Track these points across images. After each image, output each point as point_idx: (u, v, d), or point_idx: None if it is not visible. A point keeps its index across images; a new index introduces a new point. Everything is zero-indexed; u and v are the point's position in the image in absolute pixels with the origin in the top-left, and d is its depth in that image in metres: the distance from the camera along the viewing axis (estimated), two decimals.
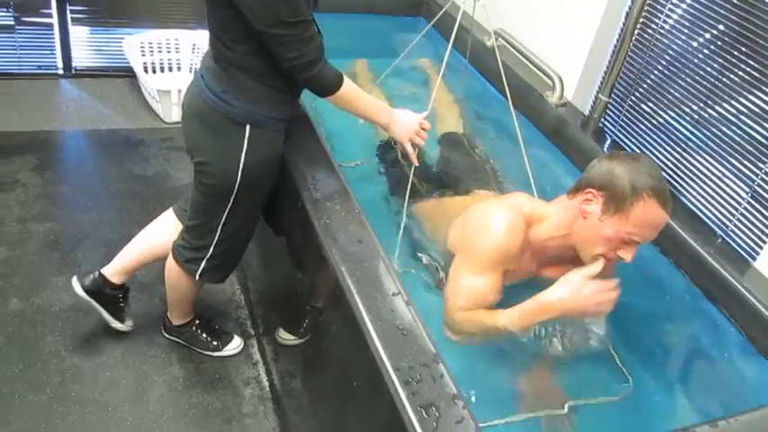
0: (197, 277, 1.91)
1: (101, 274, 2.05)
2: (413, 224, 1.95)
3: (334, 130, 2.22)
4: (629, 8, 2.23)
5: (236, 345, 2.20)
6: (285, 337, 2.03)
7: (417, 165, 1.90)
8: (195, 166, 1.74)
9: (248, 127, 1.64)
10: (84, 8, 3.43)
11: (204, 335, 2.17)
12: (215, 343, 2.17)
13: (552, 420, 1.53)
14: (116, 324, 2.12)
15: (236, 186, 1.70)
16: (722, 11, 1.95)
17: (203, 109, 1.65)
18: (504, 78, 2.11)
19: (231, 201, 1.75)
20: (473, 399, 1.44)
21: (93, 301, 2.06)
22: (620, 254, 1.49)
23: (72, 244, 2.51)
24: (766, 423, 1.30)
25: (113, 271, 2.05)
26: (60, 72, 3.55)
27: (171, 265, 1.95)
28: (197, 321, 2.16)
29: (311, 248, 1.56)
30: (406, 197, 1.89)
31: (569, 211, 1.57)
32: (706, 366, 1.73)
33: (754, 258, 1.85)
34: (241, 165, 1.67)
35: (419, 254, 1.87)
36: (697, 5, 2.03)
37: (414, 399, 1.14)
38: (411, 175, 1.91)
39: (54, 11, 3.37)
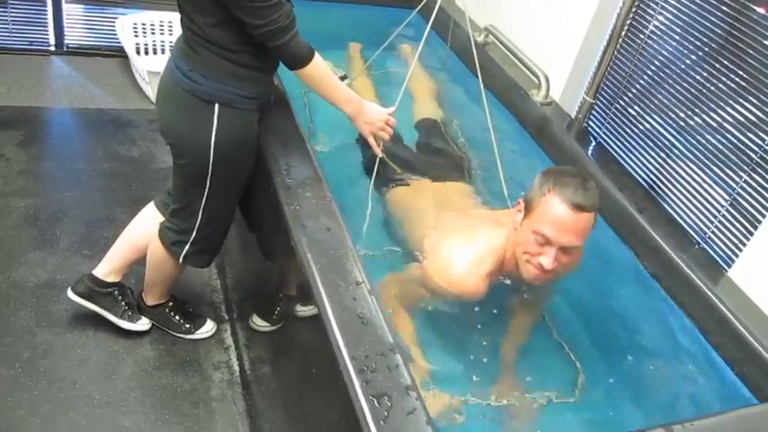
0: (180, 260, 1.91)
1: (90, 276, 2.05)
2: (386, 210, 1.95)
3: (321, 107, 2.22)
4: (619, 11, 2.23)
5: (208, 328, 2.20)
6: (258, 323, 2.03)
7: (381, 156, 1.92)
8: (170, 149, 1.74)
9: (216, 105, 1.63)
10: None
11: (177, 317, 2.16)
12: (187, 326, 2.17)
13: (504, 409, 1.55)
14: (126, 324, 2.11)
15: (210, 166, 1.70)
16: (708, 22, 1.94)
17: (173, 89, 1.65)
18: (477, 66, 2.10)
19: (208, 182, 1.75)
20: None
21: (89, 304, 2.06)
22: (540, 259, 1.50)
23: (51, 220, 2.50)
24: (722, 429, 1.30)
25: (104, 272, 2.06)
26: (52, 49, 3.53)
27: (155, 245, 1.95)
28: (170, 303, 2.16)
29: (281, 236, 1.55)
30: (371, 185, 1.92)
31: (511, 233, 1.62)
32: (668, 371, 1.73)
33: (729, 266, 1.84)
34: (212, 144, 1.66)
35: (390, 243, 1.88)
36: (684, 14, 2.02)
37: (367, 387, 1.13)
38: (376, 167, 1.93)
39: None
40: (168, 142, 1.73)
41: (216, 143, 1.66)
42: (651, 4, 2.13)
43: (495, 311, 1.74)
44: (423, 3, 2.33)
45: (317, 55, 1.67)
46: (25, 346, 2.04)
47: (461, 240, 1.70)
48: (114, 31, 3.44)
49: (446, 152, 2.24)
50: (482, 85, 2.09)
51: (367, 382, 1.14)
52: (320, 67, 1.69)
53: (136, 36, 3.45)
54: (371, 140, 1.88)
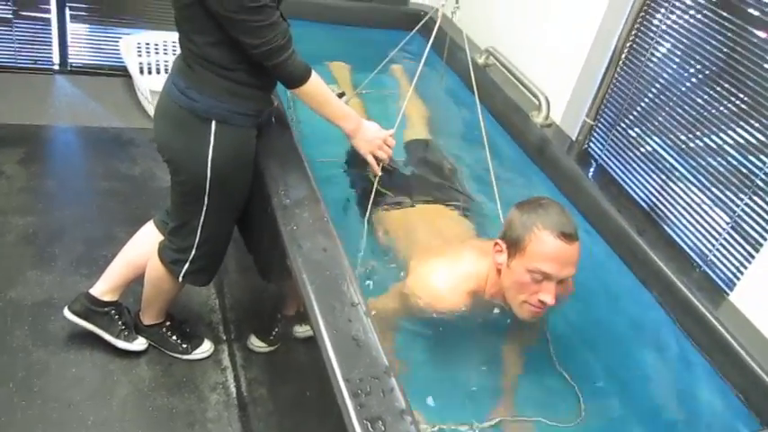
0: (180, 279, 1.90)
1: (86, 294, 2.04)
2: (377, 234, 1.94)
3: (314, 125, 2.23)
4: (619, 34, 2.23)
5: (205, 349, 2.18)
6: (256, 343, 2.01)
7: (380, 174, 1.91)
8: (168, 166, 1.74)
9: (213, 122, 1.63)
10: (84, 5, 3.44)
11: (174, 337, 2.14)
12: (184, 346, 2.15)
13: None
14: (122, 344, 2.09)
15: (208, 184, 1.69)
16: (709, 45, 1.95)
17: (170, 106, 1.65)
18: (474, 87, 2.09)
19: (206, 199, 1.74)
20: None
21: (86, 323, 2.05)
22: (541, 297, 1.48)
23: (50, 239, 2.49)
24: None
25: (101, 291, 2.04)
26: (56, 68, 3.56)
27: (154, 264, 1.94)
28: (168, 323, 2.14)
29: (278, 256, 1.54)
30: (369, 206, 1.90)
31: (493, 268, 1.60)
32: (669, 395, 1.71)
33: (731, 289, 1.83)
34: (209, 161, 1.66)
35: (383, 260, 1.87)
36: (685, 37, 2.02)
37: (361, 411, 1.12)
38: (375, 185, 1.91)
39: (53, 7, 3.38)
40: (165, 159, 1.73)
41: (213, 160, 1.65)
42: (652, 27, 2.14)
43: (488, 337, 1.72)
44: (420, 24, 2.34)
45: (314, 73, 1.67)
46: (20, 364, 2.02)
47: (444, 259, 1.70)
48: (118, 50, 3.47)
49: (438, 174, 2.23)
50: (479, 106, 2.09)
51: (361, 405, 1.12)
52: (318, 86, 1.70)
53: (139, 56, 3.48)
54: (370, 159, 1.87)
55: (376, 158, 1.89)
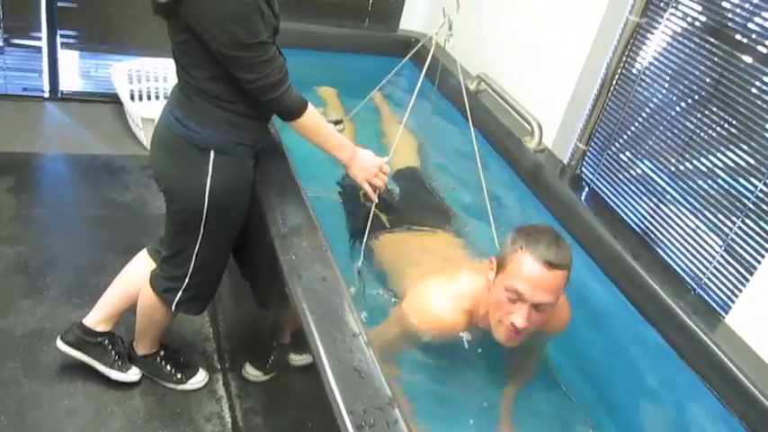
0: (173, 308, 1.89)
1: (79, 325, 2.02)
2: (372, 262, 1.94)
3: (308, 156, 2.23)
4: (609, 60, 2.27)
5: (200, 378, 2.15)
6: (252, 372, 1.99)
7: (376, 201, 1.91)
8: (164, 195, 1.73)
9: (212, 153, 1.63)
10: (74, 33, 3.44)
11: (168, 367, 2.12)
12: (179, 376, 2.12)
13: None
14: (115, 374, 2.06)
15: (205, 214, 1.69)
16: (698, 70, 1.98)
17: (168, 136, 1.65)
18: (468, 114, 2.11)
19: (202, 229, 1.73)
20: None
21: (78, 354, 2.02)
22: (512, 317, 1.49)
23: (41, 268, 2.47)
24: None
25: (95, 321, 2.02)
26: (46, 95, 3.55)
27: (146, 293, 1.92)
28: (162, 352, 2.12)
29: (276, 285, 1.54)
30: (365, 236, 1.90)
31: (486, 286, 1.61)
32: (669, 420, 1.71)
33: (726, 312, 1.84)
34: (207, 191, 1.65)
35: (380, 287, 1.87)
36: (674, 63, 2.06)
37: None
38: (371, 213, 1.92)
39: (44, 34, 3.38)
40: (162, 188, 1.73)
41: (210, 190, 1.65)
42: (641, 53, 2.17)
43: (487, 364, 1.71)
44: (412, 51, 2.36)
45: (310, 106, 1.68)
46: (12, 396, 1.99)
47: (439, 281, 1.71)
48: (108, 77, 3.47)
49: (430, 201, 2.23)
50: (473, 133, 2.10)
51: None
52: (313, 118, 1.70)
53: (130, 83, 3.48)
54: (366, 187, 1.88)
55: (372, 186, 1.89)
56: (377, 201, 1.92)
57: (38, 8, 3.29)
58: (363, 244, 1.91)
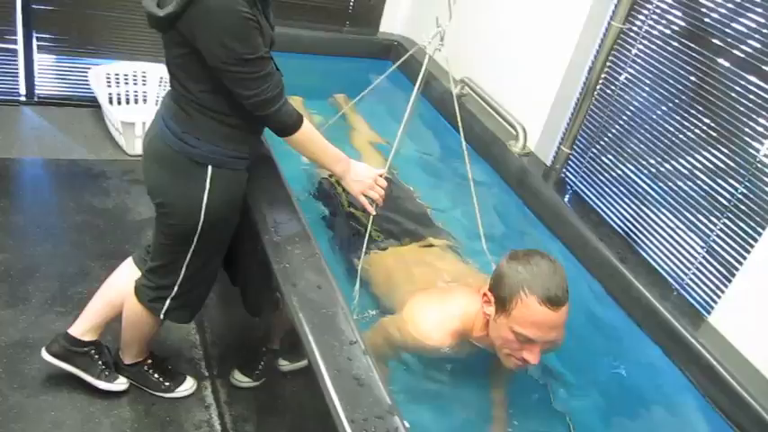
0: (161, 317, 1.87)
1: (65, 335, 1.99)
2: (364, 276, 1.94)
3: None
4: (592, 63, 2.30)
5: (188, 386, 2.14)
6: (240, 379, 1.99)
7: (374, 213, 1.90)
8: (157, 208, 1.71)
9: (210, 168, 1.62)
10: (51, 36, 3.38)
11: (156, 375, 2.10)
12: (167, 384, 2.11)
13: None
14: (103, 384, 2.03)
15: (199, 227, 1.68)
16: (678, 73, 2.02)
17: (163, 150, 1.63)
18: (459, 121, 2.11)
19: (195, 242, 1.72)
20: None
21: (65, 365, 1.99)
22: (525, 356, 1.47)
23: (23, 276, 2.43)
24: None
25: (81, 331, 1.99)
26: (23, 99, 3.48)
27: (131, 304, 1.90)
28: (149, 361, 2.10)
29: (268, 292, 1.54)
30: (365, 245, 1.90)
31: (481, 312, 1.58)
32: (658, 418, 1.74)
33: (708, 312, 1.88)
34: (204, 206, 1.64)
35: (374, 305, 1.88)
36: (655, 65, 2.10)
37: None
38: (369, 227, 1.91)
39: (19, 37, 3.32)
40: (156, 202, 1.70)
41: (207, 204, 1.64)
42: (623, 57, 2.21)
43: (474, 372, 1.72)
44: (402, 59, 2.35)
45: (305, 121, 1.67)
46: None
47: (434, 298, 1.71)
48: (86, 80, 3.41)
49: (413, 210, 2.22)
50: (463, 139, 2.11)
51: None
52: (308, 133, 1.69)
53: (109, 86, 3.43)
54: (362, 199, 1.86)
55: (368, 198, 1.87)
56: (374, 213, 1.90)
57: (13, 10, 3.23)
58: (362, 253, 1.89)
